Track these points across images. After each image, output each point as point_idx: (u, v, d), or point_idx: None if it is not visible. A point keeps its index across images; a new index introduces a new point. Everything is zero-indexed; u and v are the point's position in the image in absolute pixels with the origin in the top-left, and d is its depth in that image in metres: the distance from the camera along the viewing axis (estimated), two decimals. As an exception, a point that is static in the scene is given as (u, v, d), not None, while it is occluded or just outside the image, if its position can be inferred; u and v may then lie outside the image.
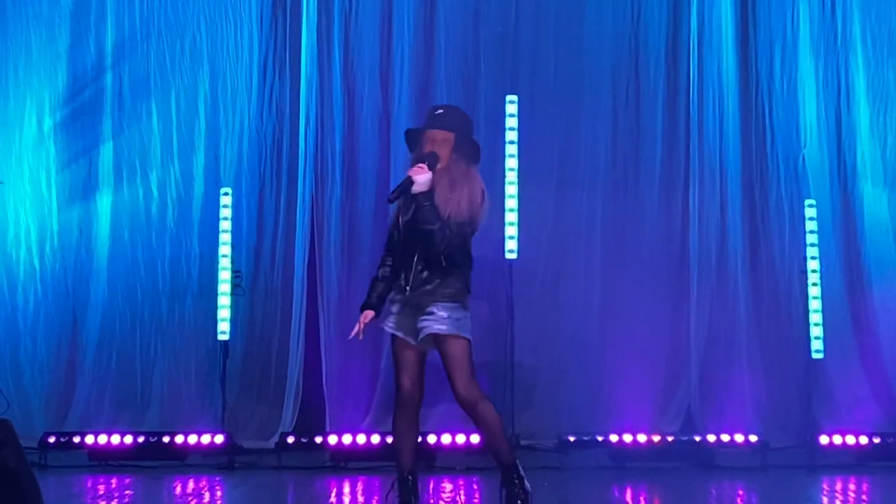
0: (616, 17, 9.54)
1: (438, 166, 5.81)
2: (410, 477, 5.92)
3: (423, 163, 5.79)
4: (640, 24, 9.53)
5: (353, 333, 5.97)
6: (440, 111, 6.01)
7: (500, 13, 9.52)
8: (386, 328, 5.94)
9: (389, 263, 5.97)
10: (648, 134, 9.50)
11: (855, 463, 8.67)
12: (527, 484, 5.78)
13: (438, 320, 5.74)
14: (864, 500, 7.29)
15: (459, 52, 9.48)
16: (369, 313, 5.94)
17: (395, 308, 5.91)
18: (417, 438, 6.06)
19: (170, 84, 9.42)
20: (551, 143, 9.41)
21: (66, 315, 9.27)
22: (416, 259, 5.80)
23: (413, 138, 6.04)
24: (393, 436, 6.05)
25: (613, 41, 9.54)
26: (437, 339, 5.76)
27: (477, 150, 5.99)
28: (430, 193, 5.75)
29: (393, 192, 5.79)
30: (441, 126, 5.89)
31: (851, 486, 7.83)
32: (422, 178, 5.75)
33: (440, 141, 5.85)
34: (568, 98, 9.47)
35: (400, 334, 5.87)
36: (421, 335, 5.77)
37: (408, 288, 5.81)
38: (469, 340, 5.80)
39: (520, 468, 5.81)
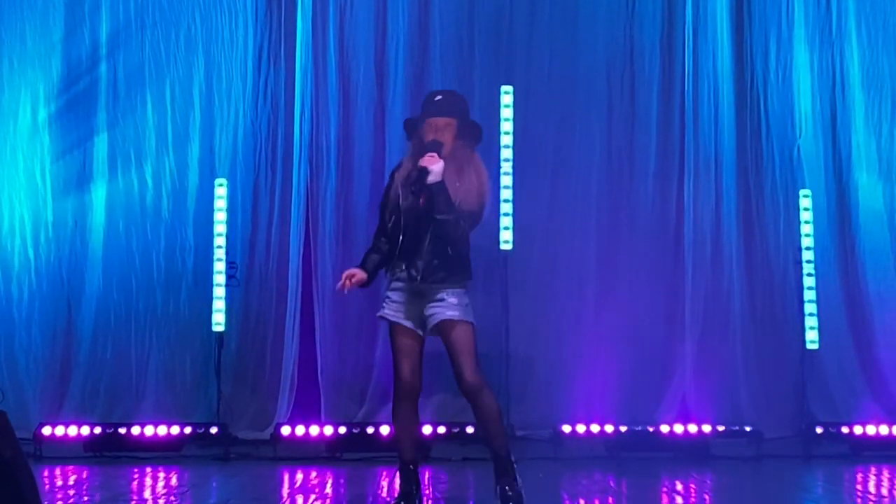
0: (611, 7, 9.53)
1: (443, 153, 5.73)
2: (412, 467, 5.89)
3: (432, 152, 5.69)
4: (635, 13, 9.52)
5: (338, 286, 5.78)
6: (439, 97, 5.92)
7: (495, 3, 9.49)
8: (386, 317, 5.83)
9: (385, 243, 5.83)
10: (643, 124, 9.49)
11: (849, 453, 8.69)
12: (518, 479, 5.74)
13: (449, 307, 5.69)
14: (858, 490, 7.31)
15: (454, 43, 9.46)
16: (361, 273, 5.77)
17: (395, 296, 5.82)
18: (418, 428, 6.02)
19: (164, 74, 9.39)
20: (546, 134, 9.41)
21: (60, 306, 9.25)
22: (426, 248, 5.71)
23: (412, 127, 5.98)
24: (394, 427, 5.96)
25: (608, 31, 9.53)
26: (446, 326, 5.69)
27: (479, 130, 5.95)
28: (443, 183, 5.67)
29: (413, 186, 5.66)
30: (443, 112, 5.82)
31: (846, 477, 7.84)
32: (437, 167, 5.67)
33: (443, 127, 5.78)
34: (563, 89, 9.45)
35: (404, 323, 5.78)
36: (431, 323, 5.71)
37: (419, 277, 5.70)
38: (475, 326, 5.77)
39: (512, 460, 5.76)
